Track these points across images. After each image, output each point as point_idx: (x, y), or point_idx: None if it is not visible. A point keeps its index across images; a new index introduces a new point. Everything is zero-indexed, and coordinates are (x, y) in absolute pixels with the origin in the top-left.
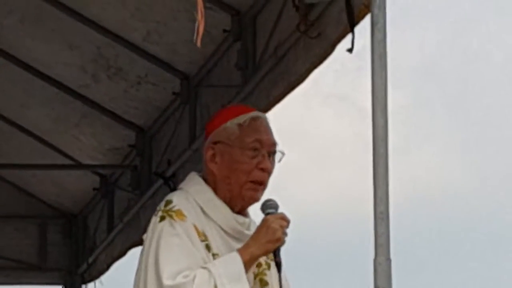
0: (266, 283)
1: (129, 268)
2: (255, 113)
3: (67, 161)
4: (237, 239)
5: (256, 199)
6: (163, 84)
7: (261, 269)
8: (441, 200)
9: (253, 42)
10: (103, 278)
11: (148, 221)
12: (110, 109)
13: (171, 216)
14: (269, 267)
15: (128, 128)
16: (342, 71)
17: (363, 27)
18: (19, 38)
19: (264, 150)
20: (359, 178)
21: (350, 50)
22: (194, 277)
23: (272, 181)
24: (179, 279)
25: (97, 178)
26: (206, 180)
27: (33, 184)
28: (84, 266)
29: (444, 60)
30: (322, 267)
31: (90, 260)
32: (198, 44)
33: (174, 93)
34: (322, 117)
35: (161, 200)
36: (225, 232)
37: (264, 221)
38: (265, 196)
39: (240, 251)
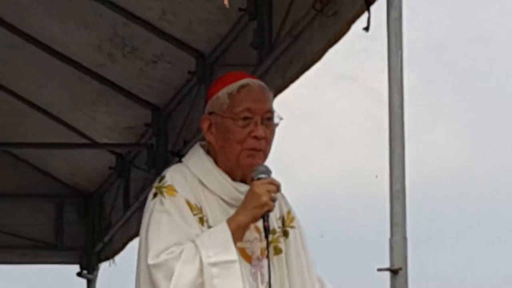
0: (280, 251)
1: None
2: (243, 81)
3: (83, 140)
4: (236, 207)
5: (255, 165)
6: (178, 63)
7: (275, 236)
8: (449, 179)
9: (269, 21)
10: (117, 257)
11: None
12: (126, 88)
13: (161, 193)
14: (285, 234)
15: (144, 107)
16: (351, 50)
17: (377, 7)
18: (35, 18)
19: (257, 117)
20: (370, 158)
21: (366, 29)
22: (181, 252)
23: (283, 161)
24: (163, 257)
25: (113, 157)
26: (208, 150)
27: (49, 163)
28: (100, 245)
29: (452, 40)
30: (337, 246)
31: (106, 239)
32: (225, 3)
33: (189, 72)
34: (331, 97)
35: None
36: (226, 202)
37: (250, 187)
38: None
39: (228, 220)
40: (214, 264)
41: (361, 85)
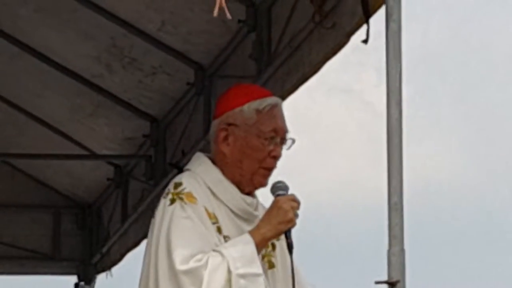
0: (273, 265)
1: (141, 259)
2: (274, 100)
3: (82, 151)
4: (245, 220)
5: (265, 185)
6: (177, 75)
7: (268, 250)
8: (446, 191)
9: (268, 33)
10: (115, 269)
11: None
12: (125, 99)
13: (181, 199)
14: (274, 248)
15: (143, 118)
16: (346, 63)
17: (373, 20)
18: (34, 28)
19: (278, 137)
20: (366, 169)
21: (365, 41)
22: (207, 260)
23: (279, 172)
24: (192, 264)
25: (112, 168)
26: (213, 160)
27: (48, 174)
28: (98, 256)
29: (448, 51)
30: (334, 258)
31: (104, 250)
32: (215, 14)
33: (188, 84)
34: (326, 109)
35: None
36: (234, 213)
37: (275, 202)
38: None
39: (251, 233)
40: (242, 276)
41: (356, 97)
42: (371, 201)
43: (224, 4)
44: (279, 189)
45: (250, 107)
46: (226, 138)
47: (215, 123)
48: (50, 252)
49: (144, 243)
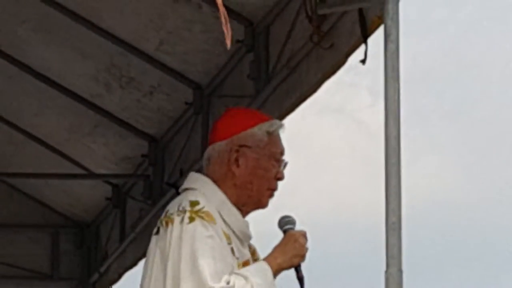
0: None
1: (140, 278)
2: (280, 123)
3: (80, 171)
4: (241, 241)
5: (267, 206)
6: (175, 94)
7: None
8: (440, 211)
9: (266, 53)
10: None
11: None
12: (123, 118)
13: (202, 218)
14: None
15: (141, 138)
16: (338, 83)
17: (372, 39)
18: (33, 48)
19: (282, 160)
20: (358, 188)
21: (363, 62)
22: (234, 283)
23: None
24: (224, 284)
25: (110, 188)
26: (214, 181)
27: (46, 193)
28: (96, 275)
29: (441, 70)
30: (331, 280)
31: (102, 269)
32: (228, 44)
33: (186, 103)
34: (318, 129)
35: None
36: (236, 235)
37: (290, 236)
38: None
39: (268, 261)
40: None
41: (348, 117)
42: (366, 221)
43: (229, 30)
44: (288, 223)
45: (261, 129)
46: (237, 159)
47: (221, 145)
48: (49, 271)
49: (142, 263)
